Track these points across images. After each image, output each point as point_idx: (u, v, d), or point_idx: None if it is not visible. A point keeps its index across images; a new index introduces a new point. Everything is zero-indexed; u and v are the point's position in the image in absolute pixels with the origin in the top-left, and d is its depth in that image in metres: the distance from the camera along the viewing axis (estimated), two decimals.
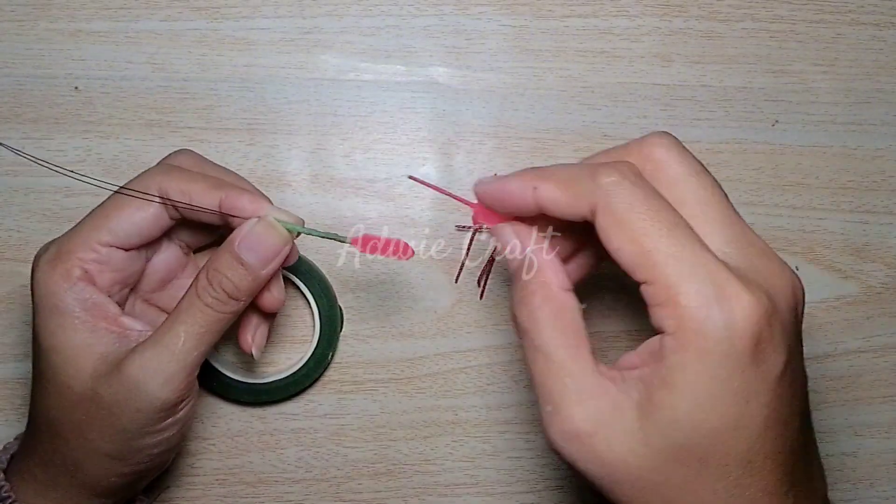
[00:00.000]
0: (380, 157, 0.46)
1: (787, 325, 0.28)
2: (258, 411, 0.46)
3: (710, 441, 0.28)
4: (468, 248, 0.46)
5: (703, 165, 0.31)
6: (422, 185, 0.46)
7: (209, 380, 0.44)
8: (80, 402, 0.35)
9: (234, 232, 0.35)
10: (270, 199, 0.37)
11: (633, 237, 0.28)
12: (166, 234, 0.38)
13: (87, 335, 0.35)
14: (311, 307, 0.44)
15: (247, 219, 0.35)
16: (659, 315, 0.28)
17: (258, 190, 0.38)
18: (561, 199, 0.30)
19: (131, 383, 0.34)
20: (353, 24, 0.46)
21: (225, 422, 0.46)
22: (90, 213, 0.36)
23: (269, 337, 0.40)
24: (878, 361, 0.48)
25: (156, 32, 0.46)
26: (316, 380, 0.45)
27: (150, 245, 0.38)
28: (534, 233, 0.32)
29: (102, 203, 0.37)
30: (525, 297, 0.31)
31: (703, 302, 0.27)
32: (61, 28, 0.46)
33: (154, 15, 0.46)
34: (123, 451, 0.35)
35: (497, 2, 0.47)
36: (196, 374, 0.36)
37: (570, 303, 0.31)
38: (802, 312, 0.30)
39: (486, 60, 0.47)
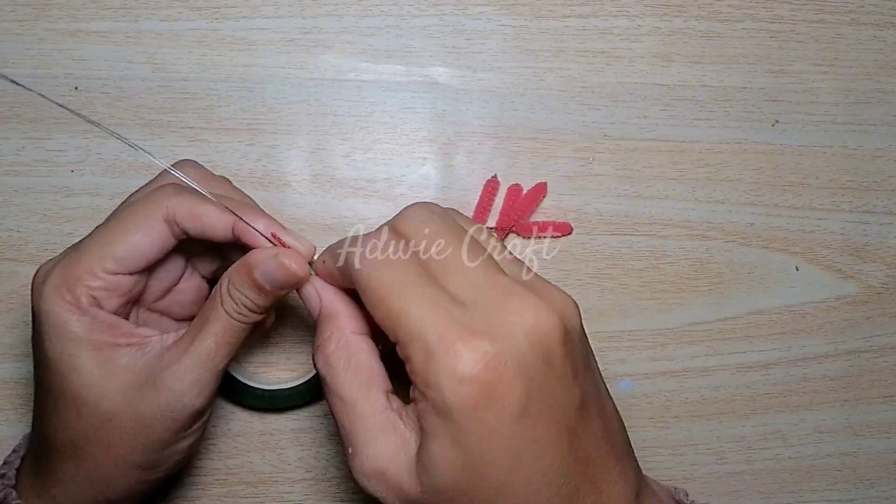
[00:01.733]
0: (380, 158, 0.46)
1: (526, 358, 0.29)
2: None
3: (464, 475, 0.29)
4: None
5: (441, 225, 0.32)
6: (420, 186, 0.46)
7: (232, 390, 0.44)
8: (109, 419, 0.34)
9: (252, 255, 0.35)
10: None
11: (377, 305, 0.31)
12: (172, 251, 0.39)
13: (107, 355, 0.35)
14: None
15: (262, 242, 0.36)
16: (408, 370, 0.30)
17: (263, 212, 0.38)
18: (337, 275, 0.34)
19: (170, 395, 0.34)
20: (353, 24, 0.46)
21: (225, 422, 0.46)
22: (94, 233, 0.36)
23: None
24: (878, 361, 0.48)
25: (156, 32, 0.46)
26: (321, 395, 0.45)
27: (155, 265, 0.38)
28: (333, 288, 0.35)
29: (107, 223, 0.36)
30: (321, 344, 0.34)
31: (427, 356, 0.29)
32: (61, 28, 0.46)
33: (154, 15, 0.46)
34: (154, 460, 0.36)
35: (497, 2, 0.47)
36: (221, 378, 0.36)
37: (363, 345, 0.33)
38: (563, 340, 0.30)
39: (486, 60, 0.47)
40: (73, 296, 0.34)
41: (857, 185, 0.48)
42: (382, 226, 0.34)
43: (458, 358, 0.28)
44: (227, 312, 0.35)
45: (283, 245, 0.36)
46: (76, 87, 0.46)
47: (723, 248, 0.47)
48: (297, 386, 0.44)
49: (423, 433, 0.30)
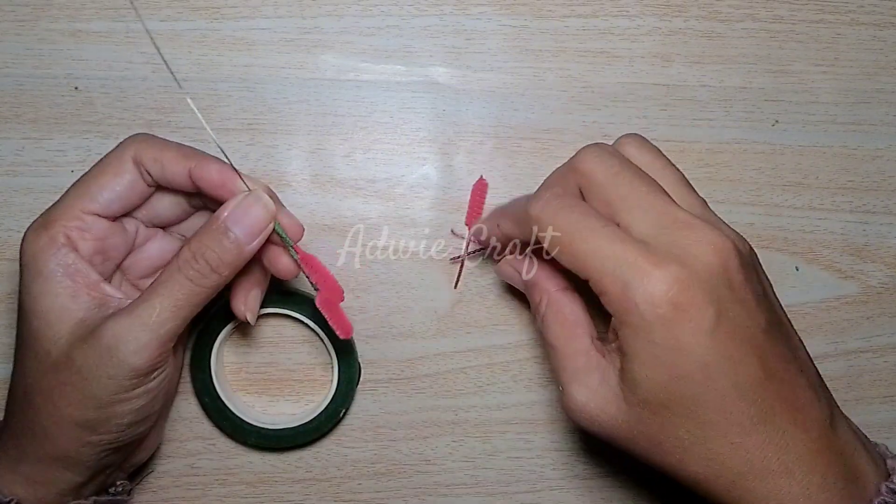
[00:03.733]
0: (380, 158, 0.46)
1: (711, 285, 0.33)
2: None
3: (664, 389, 0.33)
4: (464, 254, 0.46)
5: (624, 163, 0.36)
6: (420, 186, 0.46)
7: (221, 418, 0.44)
8: (55, 368, 0.35)
9: (223, 206, 0.36)
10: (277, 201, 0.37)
11: (564, 248, 0.34)
12: (159, 224, 0.40)
13: (67, 300, 0.36)
14: (331, 361, 0.44)
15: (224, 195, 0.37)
16: (603, 303, 0.34)
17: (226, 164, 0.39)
18: (516, 231, 0.39)
19: (104, 349, 0.35)
20: (353, 24, 0.46)
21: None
22: (73, 184, 0.38)
23: (261, 301, 0.41)
24: (878, 361, 0.48)
25: (156, 32, 0.46)
26: (326, 433, 0.45)
27: (131, 217, 0.39)
28: (526, 260, 0.40)
29: (83, 175, 0.38)
30: (535, 308, 0.39)
31: (623, 286, 0.33)
32: (61, 28, 0.46)
33: (154, 15, 0.46)
34: (92, 419, 0.36)
35: (497, 2, 0.47)
36: (171, 345, 0.36)
37: (567, 299, 0.38)
38: (739, 263, 0.34)
39: (486, 60, 0.47)
40: (49, 234, 0.36)
41: (857, 185, 0.48)
42: (559, 169, 0.38)
43: (653, 283, 0.32)
44: (182, 273, 0.35)
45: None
46: (76, 87, 0.46)
47: None
48: (291, 428, 0.44)
49: (624, 358, 0.34)
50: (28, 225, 0.38)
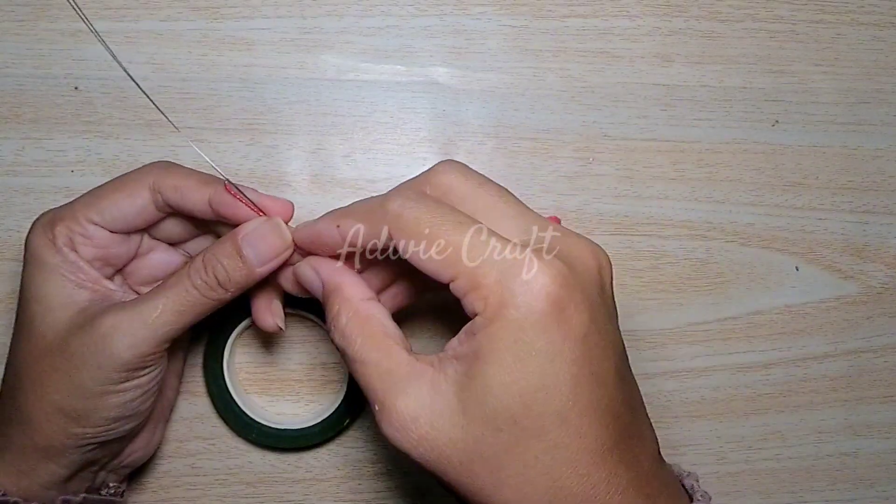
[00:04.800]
0: (380, 158, 0.46)
1: (588, 289, 0.31)
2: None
3: (521, 401, 0.29)
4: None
5: (485, 178, 0.34)
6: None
7: (226, 411, 0.44)
8: (48, 353, 0.35)
9: (242, 225, 0.36)
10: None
11: (429, 243, 0.31)
12: (164, 240, 0.40)
13: (71, 289, 0.36)
14: (344, 374, 0.45)
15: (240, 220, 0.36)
16: (469, 301, 0.30)
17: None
18: (361, 231, 0.33)
19: (98, 337, 0.35)
20: (353, 24, 0.46)
21: (225, 422, 0.46)
22: (90, 190, 0.38)
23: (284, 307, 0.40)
24: (878, 361, 0.48)
25: (156, 32, 0.46)
26: (330, 439, 0.45)
27: (139, 233, 0.39)
28: (329, 261, 0.35)
29: (101, 184, 0.38)
30: (332, 319, 0.34)
31: (502, 276, 0.29)
32: (61, 28, 0.46)
33: (154, 15, 0.46)
34: (79, 408, 0.35)
35: (497, 2, 0.47)
36: (166, 346, 0.36)
37: (374, 309, 0.34)
38: (610, 281, 0.33)
39: (486, 60, 0.47)
40: (54, 233, 0.36)
41: (857, 185, 0.48)
42: (408, 182, 0.34)
43: (537, 274, 0.29)
44: (190, 280, 0.35)
45: (261, 213, 0.36)
46: (76, 87, 0.46)
47: (723, 248, 0.47)
48: (295, 429, 0.44)
49: (479, 362, 0.30)
50: (32, 220, 0.38)
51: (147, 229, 0.39)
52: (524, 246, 0.30)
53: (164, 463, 0.46)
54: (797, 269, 0.48)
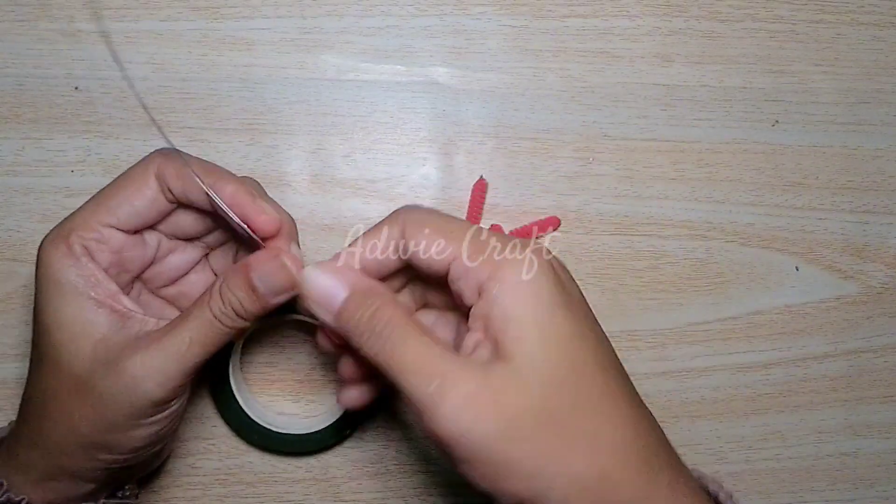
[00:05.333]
0: (380, 158, 0.46)
1: (563, 274, 0.33)
2: None
3: (564, 355, 0.31)
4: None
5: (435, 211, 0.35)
6: (420, 186, 0.46)
7: (228, 412, 0.44)
8: (76, 386, 0.35)
9: (251, 258, 0.35)
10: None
11: (432, 228, 0.33)
12: (182, 237, 0.39)
13: (89, 313, 0.35)
14: None
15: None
16: (479, 280, 0.31)
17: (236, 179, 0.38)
18: (383, 243, 0.34)
19: (129, 379, 0.34)
20: (353, 24, 0.46)
21: (225, 422, 0.46)
22: (95, 194, 0.37)
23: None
24: (878, 361, 0.48)
25: (156, 32, 0.46)
26: (330, 446, 0.45)
27: (152, 232, 0.38)
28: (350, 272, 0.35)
29: (105, 186, 0.37)
30: (367, 321, 0.33)
31: (499, 274, 0.31)
32: (61, 28, 0.46)
33: (154, 15, 0.46)
34: (109, 441, 0.35)
35: (497, 2, 0.47)
36: (193, 376, 0.36)
37: (406, 307, 0.36)
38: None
39: (486, 60, 0.47)
40: (67, 244, 0.35)
41: (857, 185, 0.48)
42: (380, 224, 0.35)
43: (534, 254, 0.31)
44: (211, 311, 0.35)
45: (250, 225, 0.36)
46: (76, 87, 0.46)
47: (723, 248, 0.47)
48: (305, 434, 0.44)
49: (511, 331, 0.30)
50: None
51: (160, 225, 0.38)
52: (524, 246, 0.32)
53: (164, 463, 0.46)
54: (797, 269, 0.48)
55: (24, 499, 0.36)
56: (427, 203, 0.46)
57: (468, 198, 0.46)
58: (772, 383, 0.48)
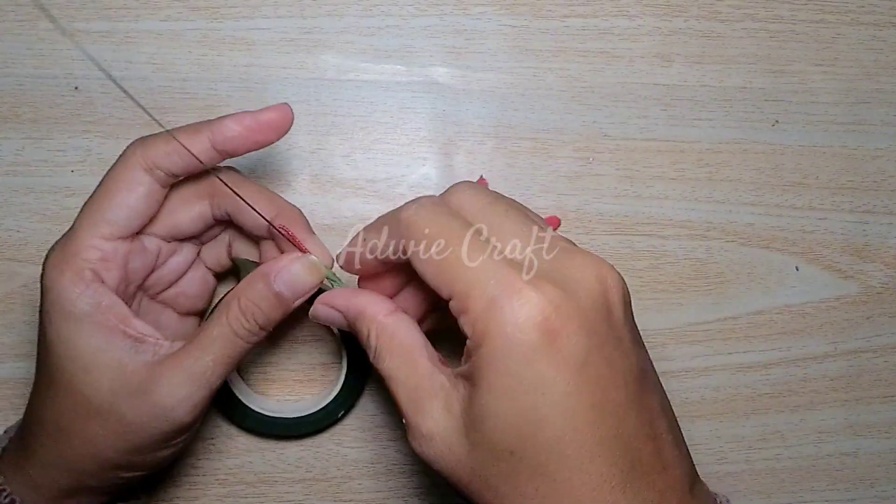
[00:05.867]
0: (380, 158, 0.46)
1: (589, 314, 0.29)
2: None
3: (516, 433, 0.28)
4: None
5: (496, 195, 0.33)
6: (420, 186, 0.46)
7: (220, 396, 0.44)
8: (97, 415, 0.34)
9: (271, 265, 0.35)
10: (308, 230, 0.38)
11: (431, 258, 0.30)
12: (180, 237, 0.39)
13: (102, 342, 0.34)
14: (341, 361, 0.45)
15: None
16: (462, 323, 0.30)
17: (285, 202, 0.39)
18: (382, 241, 0.33)
19: (160, 409, 0.34)
20: (353, 24, 0.46)
21: (225, 422, 0.46)
22: (84, 206, 0.36)
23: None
24: (878, 361, 0.48)
25: (156, 32, 0.46)
26: (322, 429, 0.45)
27: (153, 237, 0.38)
28: (342, 291, 0.36)
29: (91, 195, 0.36)
30: (365, 342, 0.34)
31: (489, 304, 0.28)
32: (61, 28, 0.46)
33: (154, 15, 0.46)
34: (134, 461, 0.36)
35: (497, 2, 0.47)
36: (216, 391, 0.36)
37: (399, 323, 0.33)
38: (623, 304, 0.31)
39: (486, 60, 0.47)
40: (74, 270, 0.34)
41: (857, 185, 0.48)
42: (381, 221, 0.34)
43: (524, 303, 0.28)
44: (232, 329, 0.35)
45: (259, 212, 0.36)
46: (76, 87, 0.46)
47: (723, 248, 0.47)
48: (296, 418, 0.44)
49: (475, 388, 0.29)
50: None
51: (161, 225, 0.37)
52: (515, 272, 0.29)
53: None
54: (797, 269, 0.48)
55: None
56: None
57: None
58: (772, 383, 0.48)
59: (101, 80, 0.46)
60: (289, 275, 0.35)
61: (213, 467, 0.46)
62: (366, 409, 0.46)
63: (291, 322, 0.46)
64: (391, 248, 0.33)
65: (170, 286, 0.40)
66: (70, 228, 0.36)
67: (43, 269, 0.35)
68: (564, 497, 0.29)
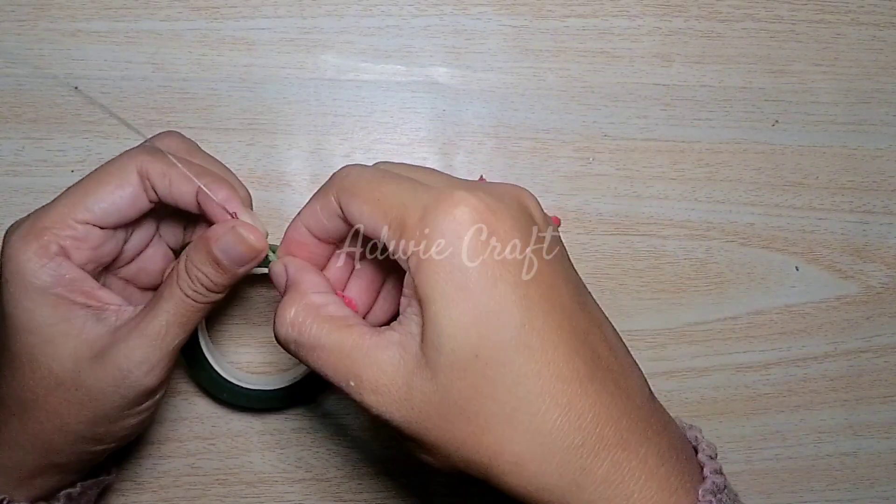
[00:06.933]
0: (380, 158, 0.46)
1: (515, 212, 0.30)
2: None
3: (476, 332, 0.28)
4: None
5: (383, 167, 0.34)
6: None
7: (198, 369, 0.44)
8: (61, 386, 0.35)
9: (210, 231, 0.35)
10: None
11: (365, 196, 0.31)
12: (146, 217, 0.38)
13: (64, 313, 0.34)
14: None
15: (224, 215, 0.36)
16: (400, 248, 0.30)
17: (239, 183, 0.38)
18: (317, 211, 0.33)
19: (118, 372, 0.34)
20: (353, 24, 0.46)
21: (225, 422, 0.46)
22: (69, 188, 0.36)
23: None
24: (878, 361, 0.48)
25: (156, 32, 0.46)
26: (300, 402, 0.45)
27: (127, 226, 0.38)
28: (297, 260, 0.35)
29: (81, 179, 0.36)
30: (280, 310, 0.32)
31: (423, 213, 0.29)
32: (61, 28, 0.46)
33: (154, 15, 0.46)
34: (101, 433, 0.36)
35: (497, 2, 0.47)
36: (177, 356, 0.36)
37: (329, 298, 0.33)
38: (537, 204, 0.32)
39: (486, 60, 0.47)
40: (41, 243, 0.34)
41: (857, 185, 0.48)
42: (320, 190, 0.34)
43: (457, 203, 0.29)
44: (182, 291, 0.35)
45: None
46: (76, 87, 0.46)
47: (723, 248, 0.47)
48: (274, 390, 0.44)
49: (425, 308, 0.29)
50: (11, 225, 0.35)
51: (138, 221, 0.38)
52: (444, 186, 0.30)
53: (164, 463, 0.46)
54: (797, 269, 0.48)
55: (5, 498, 0.35)
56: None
57: None
58: (772, 383, 0.48)
59: (102, 81, 0.46)
60: (223, 243, 0.35)
61: (213, 467, 0.46)
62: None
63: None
64: (326, 212, 0.33)
65: (130, 262, 0.40)
66: (44, 206, 0.36)
67: (8, 239, 0.35)
68: (537, 393, 0.28)
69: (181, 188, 0.35)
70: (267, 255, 0.36)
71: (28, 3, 0.45)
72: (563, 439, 0.28)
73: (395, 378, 0.29)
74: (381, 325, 0.33)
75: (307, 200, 0.34)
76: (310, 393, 0.45)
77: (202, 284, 0.35)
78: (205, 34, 0.46)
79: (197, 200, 0.36)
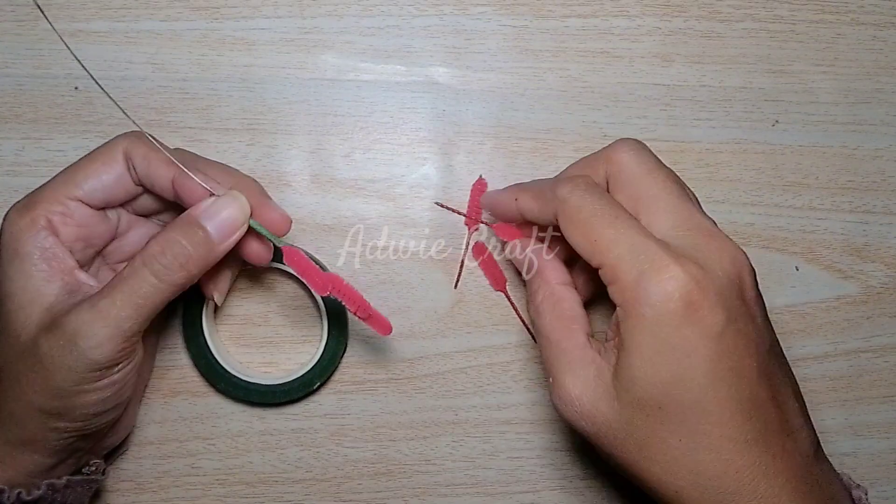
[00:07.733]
0: (380, 157, 0.46)
1: (725, 291, 0.33)
2: (258, 411, 0.46)
3: (661, 392, 0.33)
4: (465, 252, 0.46)
5: (658, 163, 0.37)
6: (420, 186, 0.46)
7: (198, 356, 0.44)
8: (24, 353, 0.35)
9: (194, 207, 0.36)
10: (264, 195, 0.37)
11: (583, 232, 0.35)
12: (143, 213, 0.40)
13: (40, 283, 0.36)
14: (321, 330, 0.45)
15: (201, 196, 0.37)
16: (611, 292, 0.34)
17: (251, 179, 0.40)
18: (534, 208, 0.38)
19: (65, 339, 0.35)
20: (353, 24, 0.46)
21: (225, 422, 0.46)
22: (62, 170, 0.38)
23: (231, 285, 0.42)
24: (878, 361, 0.48)
25: (156, 32, 0.46)
26: (297, 399, 0.45)
27: (117, 209, 0.39)
28: (533, 240, 0.40)
29: (74, 162, 0.38)
30: (531, 294, 0.39)
31: (638, 275, 0.33)
32: (61, 28, 0.45)
33: (154, 15, 0.46)
34: (57, 406, 0.36)
35: (497, 2, 0.47)
36: (135, 340, 0.36)
37: (567, 294, 0.38)
38: (752, 280, 0.35)
39: (486, 60, 0.47)
40: (31, 215, 0.36)
41: (857, 185, 0.48)
42: (589, 156, 0.38)
43: (670, 276, 0.32)
44: (147, 269, 0.35)
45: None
46: (76, 87, 0.46)
47: None
48: (272, 385, 0.44)
49: (624, 352, 0.33)
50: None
51: (126, 204, 0.39)
52: (666, 246, 0.33)
53: (164, 463, 0.46)
54: (797, 269, 0.48)
55: None
56: (427, 203, 0.46)
57: (468, 198, 0.46)
58: None
59: (102, 81, 0.45)
60: (213, 209, 0.36)
61: (213, 467, 0.46)
62: (366, 410, 0.46)
63: (272, 270, 0.46)
64: (542, 215, 0.38)
65: (128, 257, 0.40)
66: (43, 184, 0.38)
67: (7, 213, 0.37)
68: (705, 447, 0.33)
69: (158, 171, 0.37)
70: (275, 247, 0.37)
71: (28, 3, 0.45)
72: (719, 486, 0.33)
73: (584, 395, 0.35)
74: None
75: (523, 184, 0.40)
76: (309, 389, 0.45)
77: (175, 257, 0.35)
78: (205, 34, 0.46)
79: (174, 186, 0.37)
